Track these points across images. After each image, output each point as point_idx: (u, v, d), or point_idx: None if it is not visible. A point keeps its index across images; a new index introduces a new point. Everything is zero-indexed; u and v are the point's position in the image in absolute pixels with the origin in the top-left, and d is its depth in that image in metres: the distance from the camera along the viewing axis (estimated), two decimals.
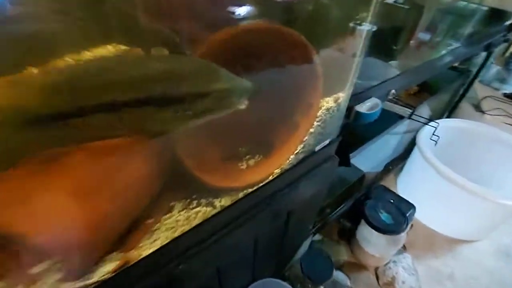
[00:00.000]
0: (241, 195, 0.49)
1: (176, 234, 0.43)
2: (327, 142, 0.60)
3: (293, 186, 0.56)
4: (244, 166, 0.53)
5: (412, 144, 1.42)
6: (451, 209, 1.26)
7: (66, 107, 0.28)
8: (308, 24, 0.47)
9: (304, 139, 0.53)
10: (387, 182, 1.49)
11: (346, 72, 0.53)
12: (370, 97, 0.71)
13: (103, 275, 0.36)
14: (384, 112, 1.06)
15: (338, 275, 1.03)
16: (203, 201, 0.47)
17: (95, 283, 0.35)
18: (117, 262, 0.37)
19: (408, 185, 1.46)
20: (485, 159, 1.44)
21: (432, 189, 1.29)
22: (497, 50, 1.71)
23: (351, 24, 0.52)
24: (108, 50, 0.33)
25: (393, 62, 0.98)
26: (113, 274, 0.36)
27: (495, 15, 1.36)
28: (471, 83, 1.69)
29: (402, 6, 1.01)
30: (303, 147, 0.54)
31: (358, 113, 0.66)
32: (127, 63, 0.32)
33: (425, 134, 1.29)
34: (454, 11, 1.18)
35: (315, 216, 0.84)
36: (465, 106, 1.72)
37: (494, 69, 1.83)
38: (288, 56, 0.45)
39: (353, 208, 1.22)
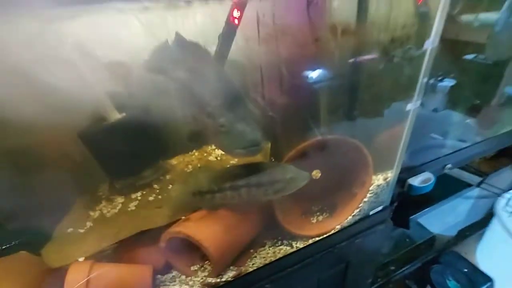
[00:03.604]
0: (310, 241, 0.71)
1: (267, 261, 0.67)
2: (380, 208, 0.77)
3: (350, 241, 0.75)
4: (315, 221, 0.75)
5: (491, 210, 1.36)
6: None
7: (213, 187, 0.60)
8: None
9: (360, 205, 0.73)
10: (464, 249, 1.42)
11: (393, 157, 0.72)
12: (423, 172, 0.86)
13: (228, 278, 0.62)
14: (451, 178, 1.12)
15: None
16: (285, 242, 0.71)
17: (223, 282, 0.61)
18: (234, 273, 0.63)
19: (488, 255, 1.35)
20: None
21: None
22: None
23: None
24: None
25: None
26: (232, 279, 0.62)
27: None
28: None
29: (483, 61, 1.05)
30: (359, 211, 0.73)
31: (410, 185, 0.81)
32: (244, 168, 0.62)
33: (505, 204, 1.25)
34: None
35: (373, 271, 0.96)
36: None
37: None
38: (348, 154, 0.68)
39: (420, 271, 1.24)
